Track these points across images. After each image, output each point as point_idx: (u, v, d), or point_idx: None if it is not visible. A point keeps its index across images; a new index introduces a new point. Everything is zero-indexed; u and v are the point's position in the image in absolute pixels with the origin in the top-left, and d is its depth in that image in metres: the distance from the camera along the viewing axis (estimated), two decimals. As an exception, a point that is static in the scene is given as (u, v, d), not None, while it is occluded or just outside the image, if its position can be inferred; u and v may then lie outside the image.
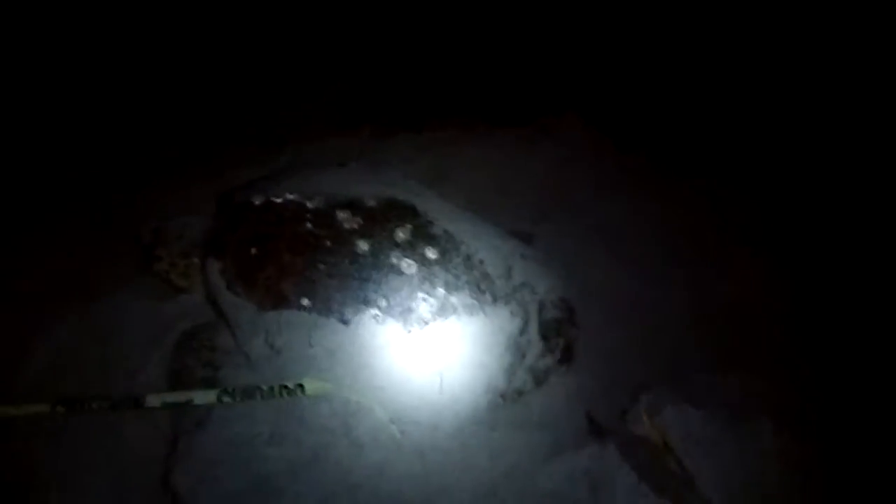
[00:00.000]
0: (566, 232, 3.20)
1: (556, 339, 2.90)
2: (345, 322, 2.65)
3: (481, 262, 2.84)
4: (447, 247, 2.81)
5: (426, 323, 2.69)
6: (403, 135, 3.82)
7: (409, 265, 2.73)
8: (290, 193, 2.89)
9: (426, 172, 3.38)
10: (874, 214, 2.97)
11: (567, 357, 2.94)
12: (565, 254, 3.09)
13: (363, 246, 2.74)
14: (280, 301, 2.69)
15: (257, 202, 2.89)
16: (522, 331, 2.81)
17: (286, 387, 2.43)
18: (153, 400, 2.41)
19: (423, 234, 2.82)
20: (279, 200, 2.87)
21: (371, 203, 2.88)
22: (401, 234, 2.80)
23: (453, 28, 4.53)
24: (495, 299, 2.78)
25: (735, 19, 4.03)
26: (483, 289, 2.79)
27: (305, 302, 2.68)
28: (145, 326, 2.84)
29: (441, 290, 2.73)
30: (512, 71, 4.43)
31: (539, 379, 2.86)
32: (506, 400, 2.79)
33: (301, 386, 2.42)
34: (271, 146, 3.73)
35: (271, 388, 2.42)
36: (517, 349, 2.79)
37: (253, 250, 2.78)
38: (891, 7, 3.28)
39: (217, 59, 4.43)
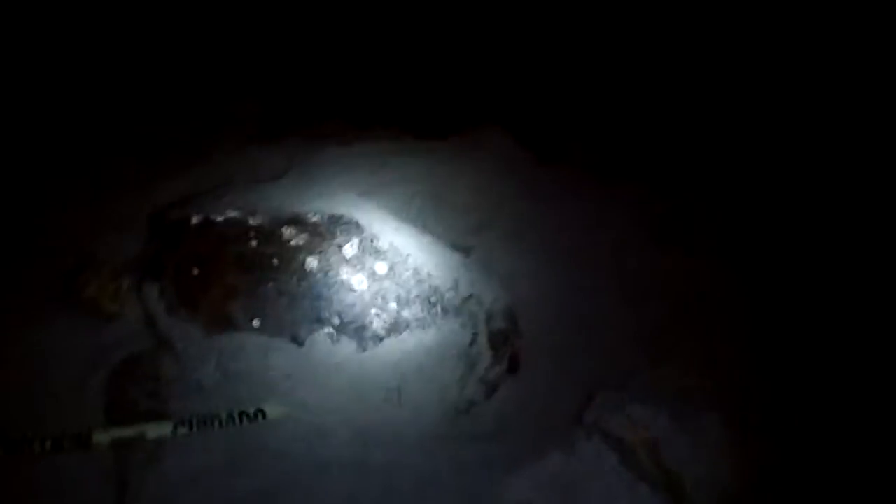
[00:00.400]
0: (502, 242, 3.27)
1: (503, 349, 2.94)
2: (299, 343, 2.59)
3: (429, 275, 2.85)
4: (395, 261, 2.80)
5: (380, 339, 2.67)
6: (329, 148, 3.76)
7: (359, 281, 2.70)
8: (230, 210, 2.79)
9: (360, 186, 3.34)
10: (809, 209, 3.21)
11: (515, 366, 2.98)
12: (504, 264, 3.16)
13: (312, 262, 2.69)
14: (228, 324, 2.59)
15: (195, 220, 2.78)
16: (472, 342, 2.83)
17: (246, 413, 2.34)
18: (101, 437, 2.25)
19: (370, 248, 2.80)
20: (220, 218, 2.77)
21: (314, 218, 2.84)
22: (348, 250, 2.76)
23: (371, 40, 4.51)
24: (445, 312, 2.80)
25: (650, 24, 4.23)
26: (433, 302, 2.79)
27: (256, 323, 2.59)
28: (74, 358, 2.63)
29: (393, 305, 2.72)
30: (428, 82, 4.46)
31: (490, 389, 2.88)
32: (459, 412, 2.80)
33: (261, 411, 2.33)
34: (194, 159, 3.57)
35: (230, 416, 2.33)
36: (468, 361, 2.81)
37: (195, 271, 2.66)
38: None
39: (131, 67, 4.19)
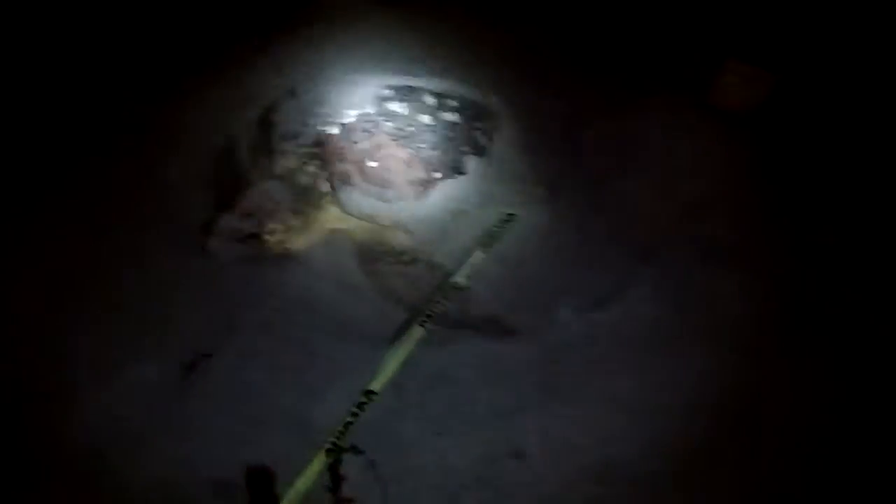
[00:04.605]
0: (473, 63, 4.09)
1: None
2: (464, 173, 3.36)
3: (470, 98, 3.72)
4: (451, 97, 3.61)
5: (486, 148, 3.54)
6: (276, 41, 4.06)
7: (455, 116, 3.50)
8: (348, 110, 3.27)
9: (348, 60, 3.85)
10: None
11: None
12: (485, 75, 4.03)
13: (425, 120, 3.39)
14: (424, 184, 3.23)
15: (335, 130, 3.20)
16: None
17: (507, 220, 3.15)
18: (461, 279, 2.91)
19: (437, 94, 3.55)
20: (348, 120, 3.24)
21: (386, 93, 3.45)
22: (429, 100, 3.50)
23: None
24: (497, 115, 3.75)
25: None
26: (487, 112, 3.71)
27: (437, 174, 3.28)
28: (326, 286, 3.02)
29: (479, 123, 3.59)
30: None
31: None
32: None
33: (512, 214, 3.18)
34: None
35: (500, 227, 3.12)
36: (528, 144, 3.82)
37: (372, 164, 3.17)
38: None
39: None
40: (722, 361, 2.69)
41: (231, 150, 3.60)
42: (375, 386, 2.48)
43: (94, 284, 2.89)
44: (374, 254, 3.19)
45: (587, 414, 2.52)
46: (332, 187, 3.17)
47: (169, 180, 3.51)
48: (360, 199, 3.14)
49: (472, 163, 3.40)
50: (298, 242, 3.17)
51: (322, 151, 3.18)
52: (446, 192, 3.26)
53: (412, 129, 3.30)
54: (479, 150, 3.46)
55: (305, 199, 3.17)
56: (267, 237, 3.07)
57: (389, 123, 3.27)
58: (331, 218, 3.24)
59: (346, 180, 3.14)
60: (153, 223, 3.25)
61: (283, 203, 3.11)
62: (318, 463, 2.27)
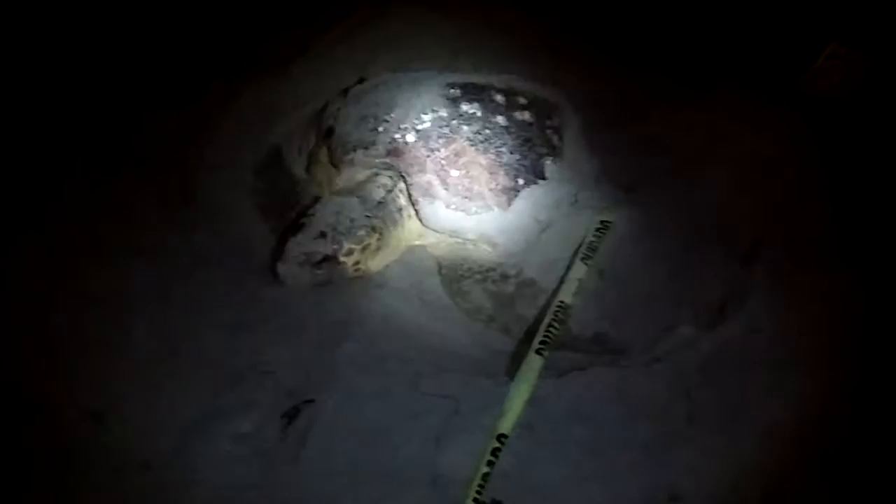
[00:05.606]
0: (528, 54, 3.81)
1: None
2: (545, 178, 3.08)
3: (537, 94, 3.43)
4: (520, 93, 3.33)
5: (561, 145, 3.26)
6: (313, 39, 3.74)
7: (528, 115, 3.21)
8: (421, 114, 2.97)
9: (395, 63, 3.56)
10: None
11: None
12: (543, 66, 3.75)
13: (500, 121, 3.09)
14: (509, 192, 2.95)
15: (411, 139, 2.91)
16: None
17: (602, 228, 2.88)
18: (567, 297, 2.63)
19: (504, 92, 3.26)
20: (423, 126, 2.94)
21: (455, 92, 3.15)
22: (499, 98, 3.20)
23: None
24: (562, 111, 3.47)
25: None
26: (555, 108, 3.43)
27: (521, 181, 3.00)
28: (415, 311, 2.75)
29: (548, 121, 3.31)
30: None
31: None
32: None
33: (608, 220, 2.91)
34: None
35: (598, 236, 2.85)
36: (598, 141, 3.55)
37: (454, 173, 2.88)
38: None
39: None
40: (865, 376, 2.46)
41: (281, 163, 3.31)
42: (505, 428, 2.20)
43: (156, 332, 2.55)
44: (459, 271, 2.91)
45: (744, 446, 2.26)
46: (411, 200, 2.86)
47: (215, 200, 3.20)
48: (442, 211, 2.85)
49: (550, 166, 3.11)
50: (376, 263, 2.88)
51: (397, 161, 2.87)
52: (531, 200, 2.99)
53: (489, 131, 3.00)
54: (554, 152, 3.18)
55: (381, 215, 2.85)
56: (343, 259, 2.75)
57: (466, 127, 2.96)
58: (410, 234, 2.96)
59: (426, 192, 2.84)
60: (208, 251, 2.94)
61: (357, 220, 2.79)
62: (461, 524, 1.99)
